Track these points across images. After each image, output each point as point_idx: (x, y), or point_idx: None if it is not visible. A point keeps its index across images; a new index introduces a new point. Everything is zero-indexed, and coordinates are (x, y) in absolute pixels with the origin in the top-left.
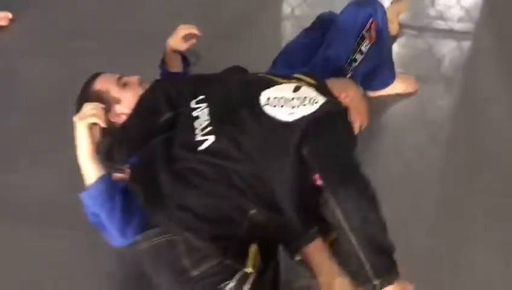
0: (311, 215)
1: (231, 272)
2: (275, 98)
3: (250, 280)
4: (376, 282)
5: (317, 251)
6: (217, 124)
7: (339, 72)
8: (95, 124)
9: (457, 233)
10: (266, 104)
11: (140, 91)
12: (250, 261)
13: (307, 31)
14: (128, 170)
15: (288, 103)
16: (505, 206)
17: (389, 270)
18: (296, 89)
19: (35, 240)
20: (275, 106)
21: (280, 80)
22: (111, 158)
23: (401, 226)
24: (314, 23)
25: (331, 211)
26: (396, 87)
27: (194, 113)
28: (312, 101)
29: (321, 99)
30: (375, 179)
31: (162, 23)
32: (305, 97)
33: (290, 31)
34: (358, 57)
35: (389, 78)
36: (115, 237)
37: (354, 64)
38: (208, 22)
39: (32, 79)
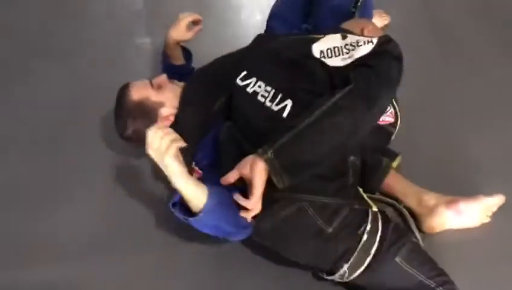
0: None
1: (361, 217)
2: (328, 49)
3: (379, 217)
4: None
5: (395, 179)
6: (284, 89)
7: (349, 18)
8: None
9: None
10: (322, 57)
11: (175, 88)
12: (369, 201)
13: None
14: (196, 168)
15: (342, 50)
16: None
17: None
18: (344, 37)
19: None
20: (330, 57)
21: (317, 36)
22: None
23: None
24: None
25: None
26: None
27: (249, 90)
28: (367, 42)
29: (374, 40)
30: None
31: None
32: (357, 40)
33: None
34: None
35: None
36: (240, 234)
37: (359, 4)
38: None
39: None
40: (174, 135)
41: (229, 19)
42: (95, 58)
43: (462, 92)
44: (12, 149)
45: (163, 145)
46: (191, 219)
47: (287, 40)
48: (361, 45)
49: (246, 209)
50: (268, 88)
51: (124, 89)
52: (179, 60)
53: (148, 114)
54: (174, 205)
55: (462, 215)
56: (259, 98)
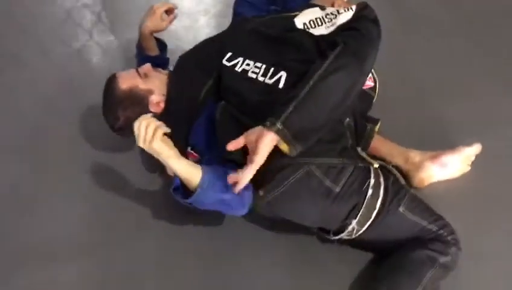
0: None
1: (364, 174)
2: (310, 20)
3: (380, 172)
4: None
5: (380, 142)
6: (275, 62)
7: None
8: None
9: None
10: (306, 28)
11: (161, 75)
12: (370, 158)
13: None
14: (192, 152)
15: (324, 19)
16: None
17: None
18: (322, 8)
19: None
20: (314, 27)
21: (293, 13)
22: None
23: None
24: None
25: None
26: None
27: (238, 69)
28: (347, 9)
29: (353, 6)
30: None
31: None
32: (337, 9)
33: None
34: None
35: None
36: (240, 209)
37: None
38: None
39: None
40: (157, 122)
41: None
42: (61, 61)
43: (427, 59)
44: None
45: (149, 133)
46: (191, 198)
47: (264, 20)
48: (341, 13)
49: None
50: (258, 64)
51: (112, 80)
52: (153, 51)
53: (138, 102)
54: (175, 189)
55: (446, 167)
56: (250, 74)
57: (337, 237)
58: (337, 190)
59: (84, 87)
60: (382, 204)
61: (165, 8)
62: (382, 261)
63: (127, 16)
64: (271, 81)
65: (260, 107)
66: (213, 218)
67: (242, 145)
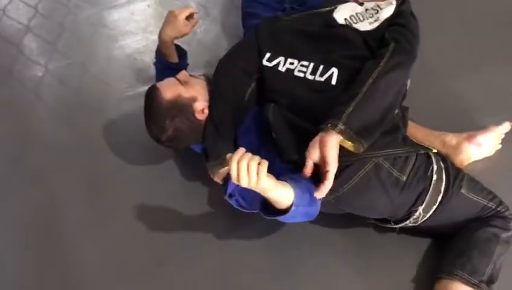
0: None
1: (425, 160)
2: (351, 16)
3: (439, 157)
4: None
5: (414, 129)
6: (324, 59)
7: None
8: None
9: None
10: (348, 24)
11: (200, 81)
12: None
13: None
14: None
15: (365, 15)
16: None
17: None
18: (361, 3)
19: None
20: (356, 23)
21: (329, 8)
22: (219, 156)
23: None
24: None
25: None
26: None
27: (281, 69)
28: (387, 4)
29: (393, 0)
30: None
31: None
32: (377, 4)
33: None
34: None
35: None
36: (315, 211)
37: None
38: None
39: None
40: (255, 157)
41: None
42: None
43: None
44: None
45: (253, 172)
46: (282, 216)
47: (297, 17)
48: (383, 8)
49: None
50: (305, 63)
51: (153, 91)
52: (174, 58)
53: (184, 110)
54: (230, 196)
55: (482, 146)
56: (297, 73)
57: (401, 225)
58: (404, 178)
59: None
60: (446, 187)
61: (186, 13)
62: (447, 245)
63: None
64: (322, 79)
65: (313, 105)
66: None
67: (313, 166)
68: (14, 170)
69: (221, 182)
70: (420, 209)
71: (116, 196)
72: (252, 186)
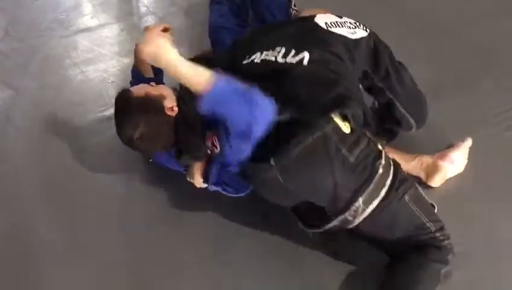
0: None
1: (376, 153)
2: (331, 22)
3: (390, 160)
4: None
5: (391, 149)
6: (297, 46)
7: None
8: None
9: None
10: (329, 27)
11: (167, 87)
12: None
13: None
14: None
15: (345, 24)
16: None
17: None
18: (339, 16)
19: None
20: (337, 27)
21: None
22: (192, 149)
23: None
24: None
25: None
26: None
27: (257, 60)
28: (363, 27)
29: (365, 27)
30: None
31: None
32: (354, 22)
33: None
34: None
35: None
36: (264, 112)
37: None
38: None
39: None
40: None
41: None
42: None
43: None
44: None
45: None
46: (204, 96)
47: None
48: (359, 28)
49: None
50: (278, 48)
51: (123, 92)
52: (150, 74)
53: (154, 106)
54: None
55: (455, 163)
56: (270, 58)
57: (340, 217)
58: (352, 159)
59: None
60: (391, 184)
61: (161, 27)
62: (388, 279)
63: None
64: (295, 60)
65: (283, 88)
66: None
67: None
68: None
69: (201, 177)
70: (361, 200)
71: (92, 220)
72: (156, 47)
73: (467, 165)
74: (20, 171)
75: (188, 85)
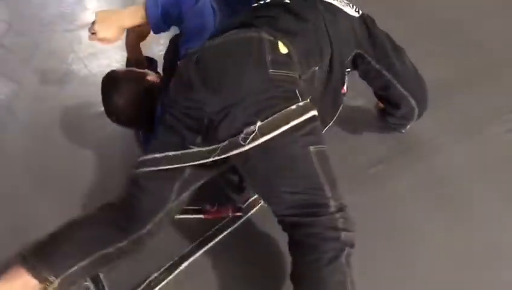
0: None
1: (300, 91)
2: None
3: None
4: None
5: None
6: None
7: None
8: None
9: None
10: (334, 1)
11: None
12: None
13: None
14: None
15: (345, 2)
16: None
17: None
18: None
19: None
20: (343, 6)
21: None
22: None
23: None
24: None
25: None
26: None
27: None
28: (355, 8)
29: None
30: None
31: None
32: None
33: None
34: None
35: None
36: None
37: None
38: None
39: None
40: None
41: None
42: None
43: None
44: None
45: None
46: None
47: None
48: (350, 8)
49: None
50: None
51: (110, 72)
52: (143, 65)
53: (138, 77)
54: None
55: None
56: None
57: (232, 139)
58: (271, 71)
59: None
60: (297, 128)
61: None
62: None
63: None
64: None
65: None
66: None
67: None
68: None
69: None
70: (258, 124)
71: None
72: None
73: (468, 166)
74: (21, 164)
75: (143, 20)
